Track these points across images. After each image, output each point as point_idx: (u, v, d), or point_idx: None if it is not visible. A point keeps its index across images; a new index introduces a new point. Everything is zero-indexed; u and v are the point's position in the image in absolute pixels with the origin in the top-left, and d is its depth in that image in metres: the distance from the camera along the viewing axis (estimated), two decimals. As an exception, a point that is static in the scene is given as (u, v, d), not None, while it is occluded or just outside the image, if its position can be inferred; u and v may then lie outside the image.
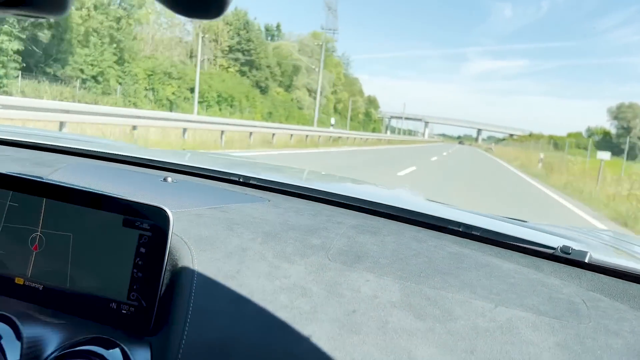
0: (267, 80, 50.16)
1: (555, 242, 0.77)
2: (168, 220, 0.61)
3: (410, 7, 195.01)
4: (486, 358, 0.53)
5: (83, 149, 1.14)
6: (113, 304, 0.61)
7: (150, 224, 0.61)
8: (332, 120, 31.72)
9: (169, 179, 0.91)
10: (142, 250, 0.61)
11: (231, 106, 40.02)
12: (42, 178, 0.71)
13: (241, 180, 1.02)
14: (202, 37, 31.01)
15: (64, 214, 0.64)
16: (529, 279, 0.65)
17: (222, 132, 13.64)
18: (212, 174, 1.05)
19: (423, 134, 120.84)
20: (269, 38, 61.63)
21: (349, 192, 0.99)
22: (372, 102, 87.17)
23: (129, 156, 1.12)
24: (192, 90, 35.61)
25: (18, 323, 0.61)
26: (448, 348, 0.54)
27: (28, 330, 0.60)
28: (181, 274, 0.63)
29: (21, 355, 0.58)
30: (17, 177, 0.67)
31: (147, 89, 30.89)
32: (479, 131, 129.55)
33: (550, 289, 0.63)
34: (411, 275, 0.63)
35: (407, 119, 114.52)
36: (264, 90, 49.00)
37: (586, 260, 0.71)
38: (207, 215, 0.75)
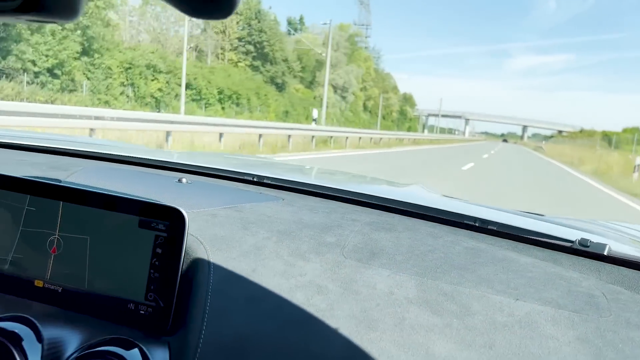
0: (284, 76, 44.97)
1: (573, 235, 0.76)
2: (184, 221, 0.61)
3: (450, 4, 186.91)
4: (505, 353, 0.52)
5: (98, 152, 1.15)
6: (131, 304, 0.62)
7: (166, 224, 0.62)
8: (314, 113, 20.88)
9: (184, 180, 0.91)
10: (159, 250, 0.62)
11: (237, 104, 35.00)
12: (59, 181, 0.71)
13: (255, 179, 1.02)
14: (189, 21, 25.81)
15: (81, 217, 0.65)
16: (547, 273, 0.64)
17: (221, 134, 11.35)
18: (226, 174, 1.05)
19: (463, 132, 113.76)
20: (292, 32, 56.57)
21: (363, 189, 0.99)
22: (407, 99, 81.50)
23: (144, 158, 1.12)
24: (186, 85, 30.58)
25: (38, 325, 0.61)
26: (466, 343, 0.53)
27: (48, 332, 0.61)
28: (198, 274, 0.63)
29: (42, 357, 0.59)
30: (34, 181, 0.67)
31: (124, 85, 25.90)
32: (525, 128, 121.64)
33: (569, 282, 0.62)
34: (427, 271, 0.63)
35: (444, 116, 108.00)
36: (280, 87, 43.89)
37: (605, 253, 0.70)
38: (222, 215, 0.75)
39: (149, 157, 1.13)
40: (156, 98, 27.96)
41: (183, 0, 0.28)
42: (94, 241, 0.64)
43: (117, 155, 1.13)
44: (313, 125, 19.42)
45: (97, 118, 8.57)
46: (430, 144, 38.27)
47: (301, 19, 60.95)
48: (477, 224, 0.80)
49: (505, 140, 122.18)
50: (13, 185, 0.67)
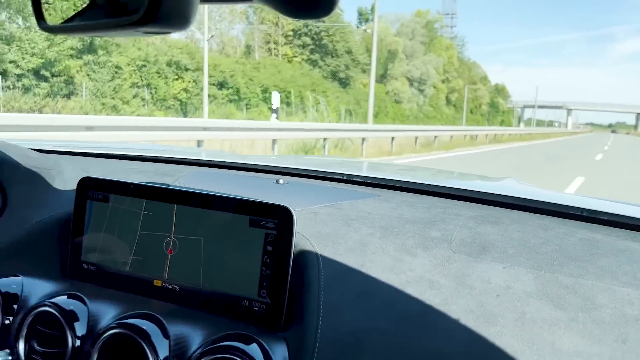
0: (349, 70, 39.53)
1: None
2: (292, 218, 0.64)
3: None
4: None
5: (197, 159, 1.20)
6: (245, 301, 0.65)
7: (275, 222, 0.64)
8: (275, 100, 12.54)
9: (281, 181, 0.93)
10: (269, 248, 0.64)
11: (287, 104, 30.08)
12: (168, 186, 0.76)
13: (345, 178, 1.03)
14: (206, 6, 21.19)
15: (194, 219, 0.69)
16: None
17: (275, 140, 8.92)
18: (316, 174, 1.07)
19: (566, 124, 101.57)
20: (362, 23, 51.10)
21: (458, 184, 0.98)
22: (500, 90, 73.07)
23: (239, 162, 1.17)
24: (220, 85, 25.92)
25: (164, 322, 0.65)
26: (595, 338, 0.51)
27: (173, 328, 0.64)
28: (307, 270, 0.64)
29: (170, 352, 0.62)
30: (149, 186, 0.73)
31: (138, 86, 21.70)
32: (639, 116, 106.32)
33: None
34: (543, 263, 0.61)
35: (542, 107, 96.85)
36: (344, 82, 38.53)
37: None
38: (322, 212, 0.76)
39: (243, 162, 1.17)
40: (181, 100, 23.62)
41: (282, 1, 0.28)
42: (207, 241, 0.67)
43: (213, 160, 1.17)
44: (273, 120, 12.36)
45: (88, 129, 6.38)
46: (520, 141, 30.80)
47: (372, 8, 55.30)
48: (584, 214, 0.78)
49: (614, 131, 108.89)
50: (131, 191, 0.72)
